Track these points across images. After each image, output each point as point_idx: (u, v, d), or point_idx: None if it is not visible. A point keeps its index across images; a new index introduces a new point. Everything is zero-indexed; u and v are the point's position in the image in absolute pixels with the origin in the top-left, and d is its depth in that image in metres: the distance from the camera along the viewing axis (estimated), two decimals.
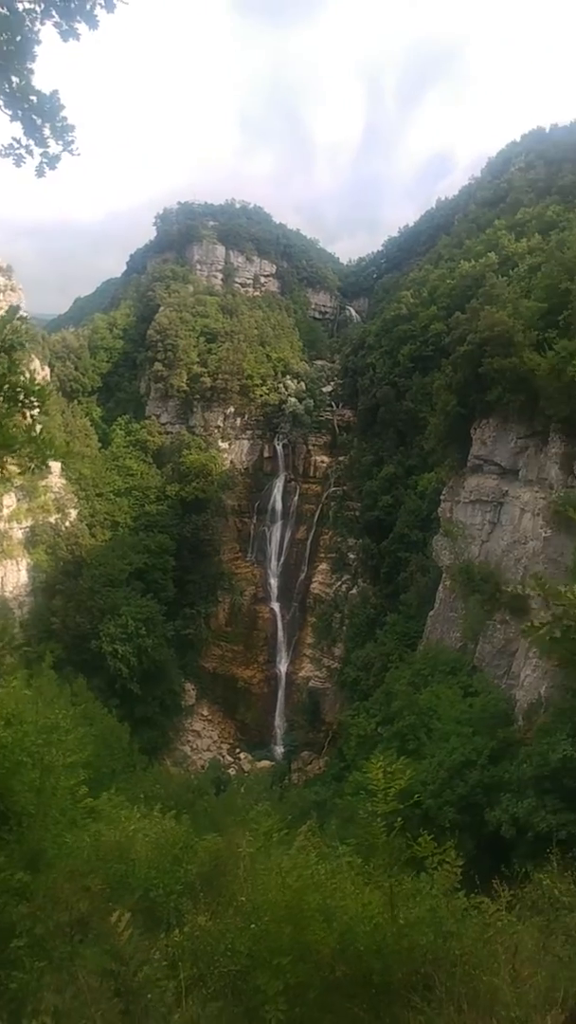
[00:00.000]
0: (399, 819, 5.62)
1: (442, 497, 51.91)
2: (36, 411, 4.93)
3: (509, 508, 43.68)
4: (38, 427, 4.90)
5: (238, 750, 71.93)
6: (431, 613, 51.26)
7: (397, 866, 5.65)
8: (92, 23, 5.60)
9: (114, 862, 6.74)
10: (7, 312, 6.61)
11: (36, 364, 69.36)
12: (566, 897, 6.71)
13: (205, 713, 75.20)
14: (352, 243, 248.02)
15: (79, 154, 5.75)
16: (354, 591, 72.40)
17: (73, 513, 71.51)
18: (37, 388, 4.81)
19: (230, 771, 64.36)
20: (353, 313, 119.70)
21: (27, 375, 4.86)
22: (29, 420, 4.86)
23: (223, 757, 69.54)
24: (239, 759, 69.94)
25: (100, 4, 5.56)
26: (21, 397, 4.77)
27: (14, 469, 5.05)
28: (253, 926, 5.28)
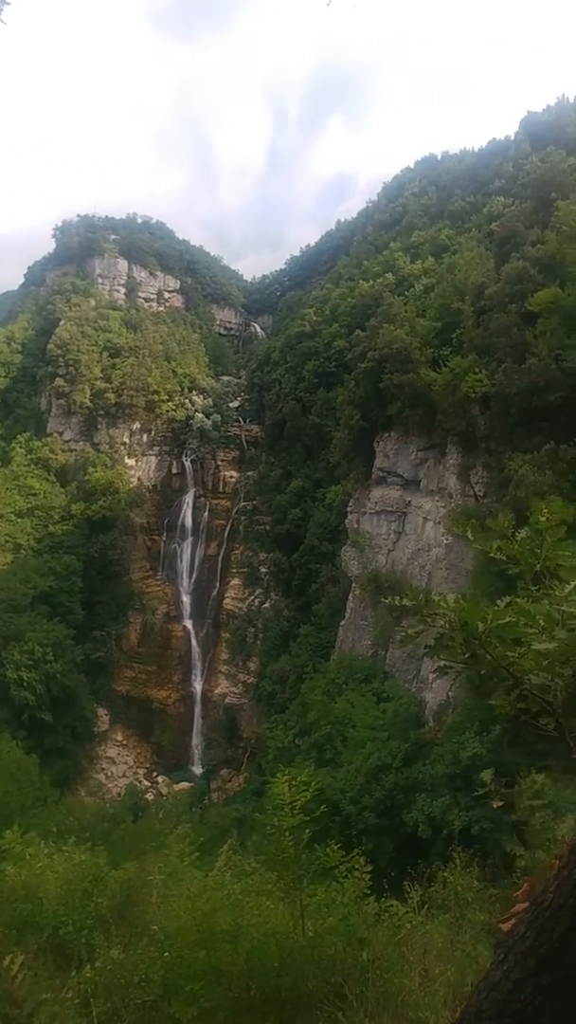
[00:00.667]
0: (307, 831, 5.73)
1: (349, 509, 53.22)
2: None
3: (412, 517, 45.36)
4: None
5: (155, 774, 70.15)
6: (342, 623, 52.25)
7: (308, 878, 5.74)
8: None
9: (19, 902, 6.47)
10: None
11: None
12: (469, 894, 7.03)
13: (119, 738, 72.86)
14: (257, 260, 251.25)
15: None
16: (267, 605, 72.64)
17: None
18: None
19: (148, 796, 62.63)
20: (258, 329, 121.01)
21: None
22: None
23: (140, 782, 67.57)
24: (157, 783, 68.21)
25: None
26: None
27: None
28: (166, 954, 5.22)
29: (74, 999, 4.86)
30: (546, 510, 3.68)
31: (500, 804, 3.60)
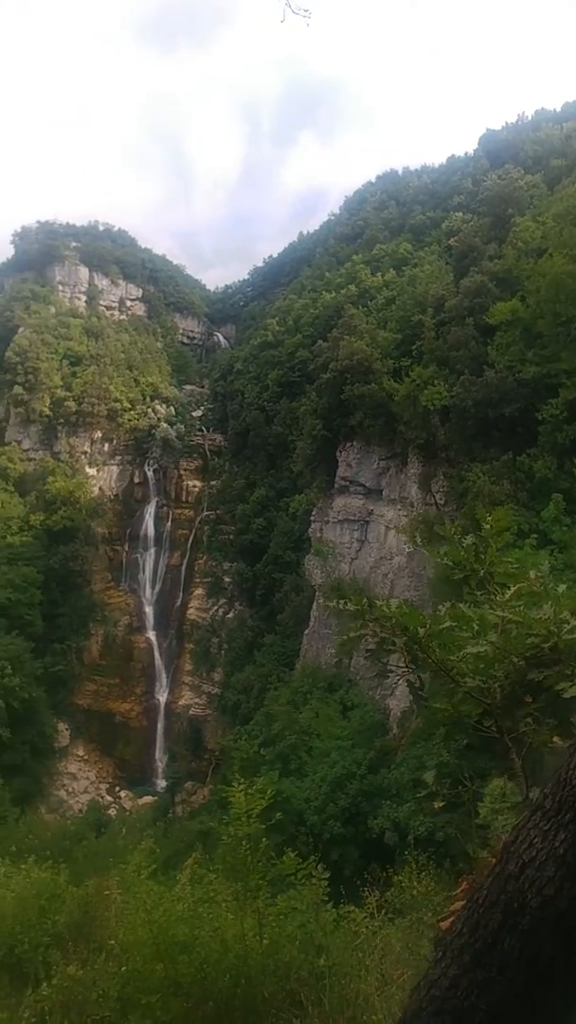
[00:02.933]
0: (263, 840, 5.77)
1: (312, 518, 53.52)
2: None
3: (375, 526, 45.84)
4: None
5: (118, 788, 68.93)
6: (306, 631, 52.38)
7: (266, 887, 5.77)
8: None
9: None
10: None
11: None
12: (424, 897, 7.13)
13: (81, 753, 71.44)
14: (226, 271, 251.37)
15: None
16: (231, 615, 72.35)
17: None
18: None
19: (111, 811, 61.47)
20: (221, 339, 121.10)
21: None
22: None
23: (102, 798, 66.31)
24: (120, 798, 67.04)
25: None
26: None
27: None
28: (124, 968, 5.19)
29: (31, 1018, 4.79)
30: (490, 518, 3.84)
31: (442, 805, 3.71)
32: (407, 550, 40.83)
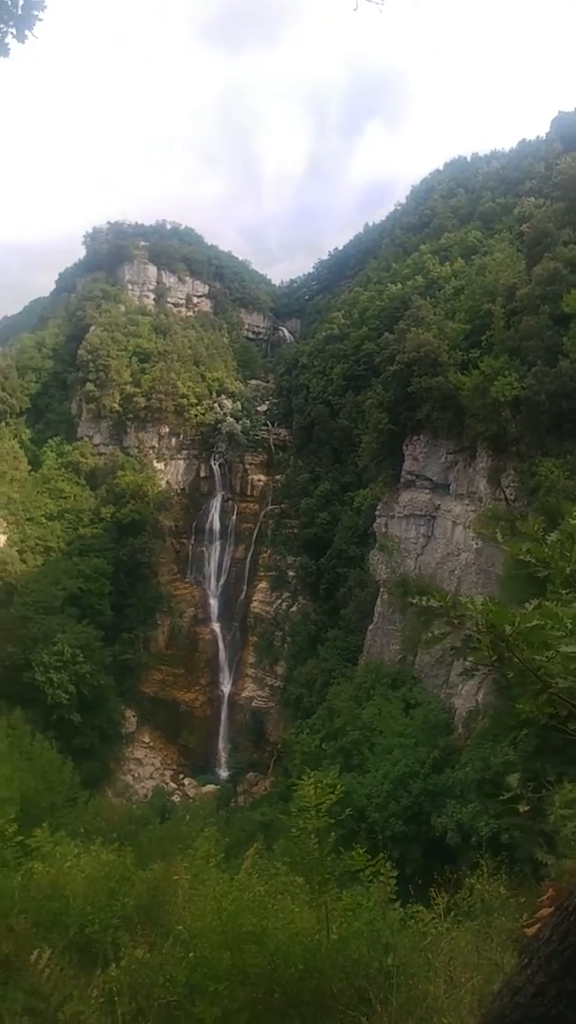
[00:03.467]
0: (332, 834, 5.71)
1: (377, 512, 52.97)
2: None
3: (442, 521, 44.97)
4: None
5: (182, 776, 70.48)
6: (370, 627, 51.97)
7: (333, 881, 5.71)
8: (21, 37, 5.64)
9: (46, 900, 6.54)
10: None
11: None
12: (496, 901, 6.92)
13: (147, 740, 73.40)
14: (292, 265, 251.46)
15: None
16: (294, 608, 72.60)
17: (2, 539, 69.13)
18: None
19: (174, 798, 62.94)
20: (286, 333, 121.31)
21: None
22: None
23: (167, 784, 67.95)
24: (183, 785, 68.53)
25: (12, 34, 5.61)
26: None
27: None
28: (191, 954, 5.23)
29: (99, 998, 4.89)
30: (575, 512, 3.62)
31: (527, 809, 3.54)
32: (475, 546, 39.88)
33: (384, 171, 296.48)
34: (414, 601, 2.98)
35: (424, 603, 3.10)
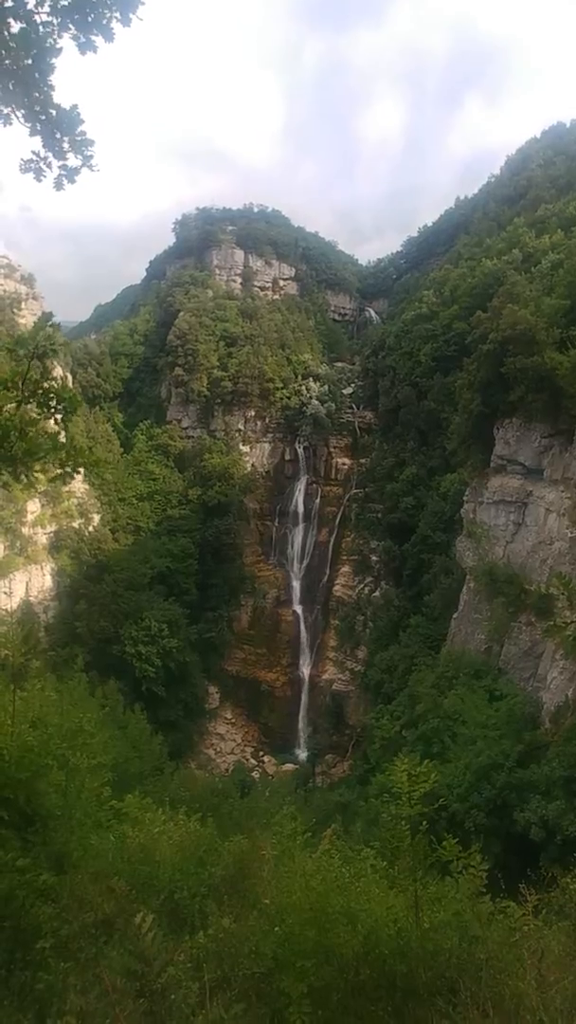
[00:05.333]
0: (424, 822, 5.60)
1: (465, 498, 51.52)
2: (64, 417, 4.98)
3: (534, 508, 43.20)
4: (63, 435, 4.97)
5: (262, 753, 71.95)
6: (455, 615, 50.84)
7: (422, 870, 5.62)
8: (108, 36, 5.70)
9: (139, 864, 6.78)
10: (40, 319, 6.71)
11: (59, 371, 70.22)
12: None
13: (228, 716, 75.37)
14: (382, 245, 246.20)
15: (98, 169, 5.83)
16: (377, 593, 72.10)
17: (96, 518, 72.24)
18: (69, 395, 4.86)
19: (254, 774, 64.38)
20: (373, 314, 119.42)
21: (58, 382, 4.92)
22: (57, 427, 4.91)
23: (247, 760, 69.60)
24: (263, 762, 69.96)
25: (116, 18, 5.66)
26: (53, 403, 4.83)
27: (40, 476, 5.09)
28: (277, 929, 5.28)
29: (186, 962, 5.03)
30: None
31: None
32: (570, 535, 38.07)
33: (484, 143, 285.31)
34: (533, 589, 2.81)
35: (543, 590, 2.92)
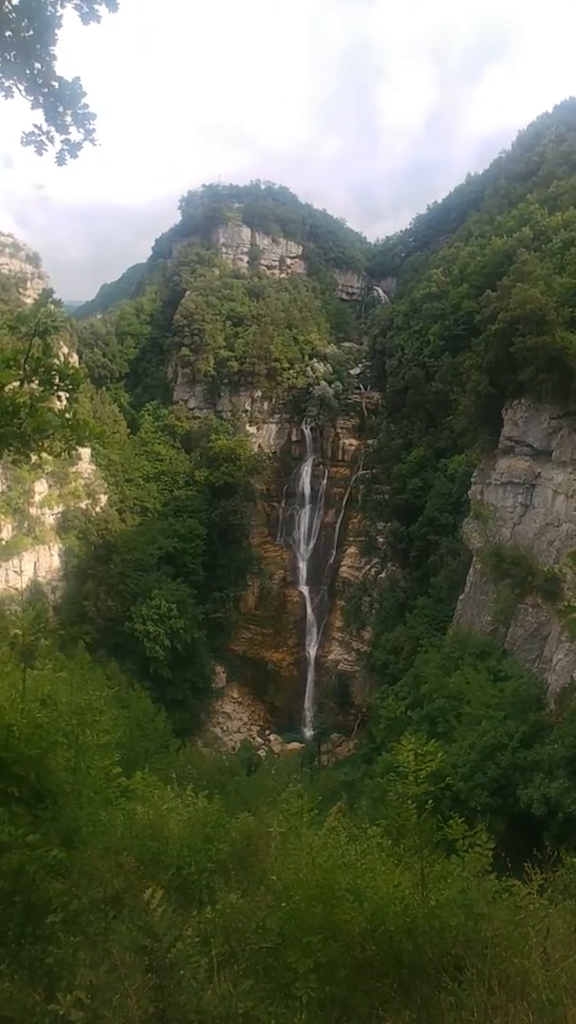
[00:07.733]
0: (430, 801, 5.63)
1: (472, 479, 51.32)
2: (68, 395, 4.94)
3: (542, 490, 43.02)
4: (68, 413, 4.93)
5: (268, 732, 72.68)
6: (461, 597, 50.91)
7: (428, 848, 5.66)
8: (112, 5, 5.55)
9: (148, 840, 6.86)
10: (40, 295, 6.64)
11: (64, 351, 69.99)
12: None
13: (235, 695, 76.03)
14: (396, 223, 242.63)
15: (100, 144, 5.71)
16: (383, 575, 72.20)
17: (103, 499, 72.44)
18: (71, 372, 4.82)
19: (260, 753, 65.10)
20: (381, 293, 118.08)
21: (61, 359, 4.87)
22: (62, 405, 4.88)
23: (253, 739, 70.35)
24: (269, 741, 70.70)
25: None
26: (56, 381, 4.79)
27: (46, 455, 5.07)
28: (284, 904, 5.33)
29: (194, 937, 5.09)
30: None
31: None
32: None
33: (504, 120, 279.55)
34: (544, 569, 2.76)
35: (553, 572, 2.88)
